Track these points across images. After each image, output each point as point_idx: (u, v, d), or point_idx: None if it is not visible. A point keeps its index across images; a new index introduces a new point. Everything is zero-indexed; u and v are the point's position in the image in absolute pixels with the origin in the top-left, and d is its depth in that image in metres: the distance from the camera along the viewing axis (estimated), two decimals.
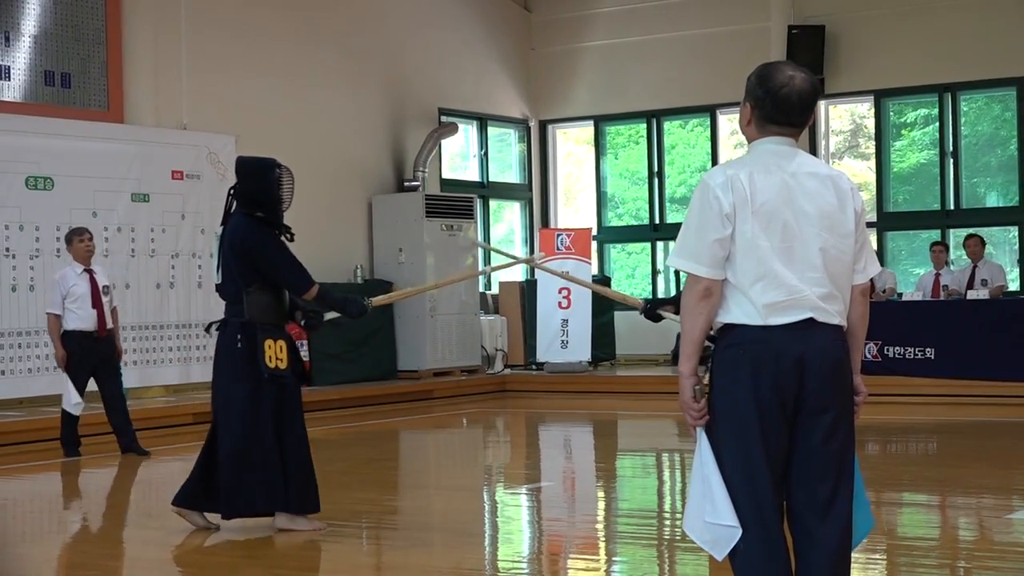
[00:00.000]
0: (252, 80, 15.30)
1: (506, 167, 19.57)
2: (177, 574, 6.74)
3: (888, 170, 17.45)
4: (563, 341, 16.86)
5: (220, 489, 7.08)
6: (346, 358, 15.60)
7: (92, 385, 10.81)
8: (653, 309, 7.37)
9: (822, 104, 17.45)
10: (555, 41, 19.29)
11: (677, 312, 7.18)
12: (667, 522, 7.69)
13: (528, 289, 17.60)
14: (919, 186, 17.51)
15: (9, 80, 13.13)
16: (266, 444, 7.04)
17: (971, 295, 13.83)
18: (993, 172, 17.20)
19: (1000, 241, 17.15)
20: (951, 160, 16.92)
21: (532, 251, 18.96)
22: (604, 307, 17.33)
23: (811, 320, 3.74)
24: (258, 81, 15.37)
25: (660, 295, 18.25)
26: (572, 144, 20.19)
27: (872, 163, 17.58)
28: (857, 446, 3.88)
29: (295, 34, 15.88)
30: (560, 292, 16.75)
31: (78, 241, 10.83)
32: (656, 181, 18.85)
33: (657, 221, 18.85)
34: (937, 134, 17.05)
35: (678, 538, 6.86)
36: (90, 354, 10.68)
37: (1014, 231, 16.84)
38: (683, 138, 19.12)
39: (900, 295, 15.02)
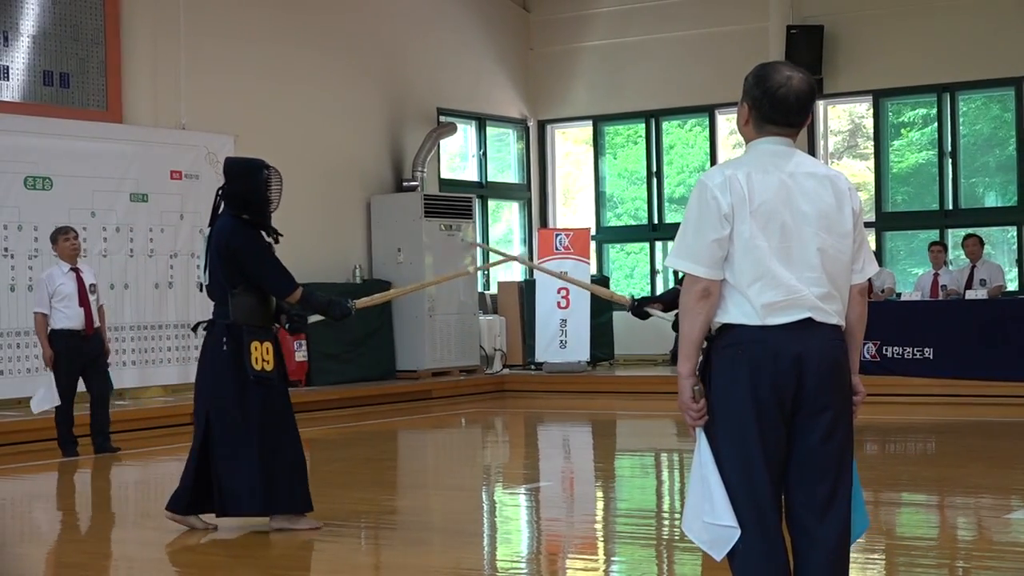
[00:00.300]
0: (251, 80, 15.30)
1: (505, 167, 19.57)
2: (174, 574, 6.74)
3: (887, 170, 17.45)
4: (562, 341, 16.86)
5: (214, 488, 7.07)
6: (345, 358, 15.60)
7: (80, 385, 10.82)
8: (640, 307, 7.37)
9: (820, 104, 17.46)
10: (554, 41, 19.29)
11: (664, 309, 7.22)
12: (666, 522, 7.68)
13: (527, 289, 17.60)
14: (918, 186, 17.52)
15: (8, 80, 13.13)
16: (250, 446, 7.03)
17: (970, 295, 13.83)
18: (992, 172, 17.20)
19: (999, 241, 17.16)
20: (950, 160, 16.92)
21: (531, 251, 18.95)
22: (603, 307, 17.32)
23: (809, 320, 3.74)
24: (257, 81, 15.37)
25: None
26: (571, 144, 20.19)
27: (871, 163, 17.58)
28: (855, 446, 3.88)
29: (294, 34, 15.88)
30: (559, 292, 16.74)
31: (63, 240, 10.82)
32: (655, 181, 18.85)
33: (656, 221, 18.85)
34: (936, 134, 17.05)
35: (677, 538, 6.86)
36: (78, 353, 10.68)
37: (1013, 231, 16.84)
38: (682, 138, 19.13)
39: (899, 295, 15.03)
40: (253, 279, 7.09)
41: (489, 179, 19.02)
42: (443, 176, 18.10)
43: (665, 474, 10.33)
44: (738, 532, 3.71)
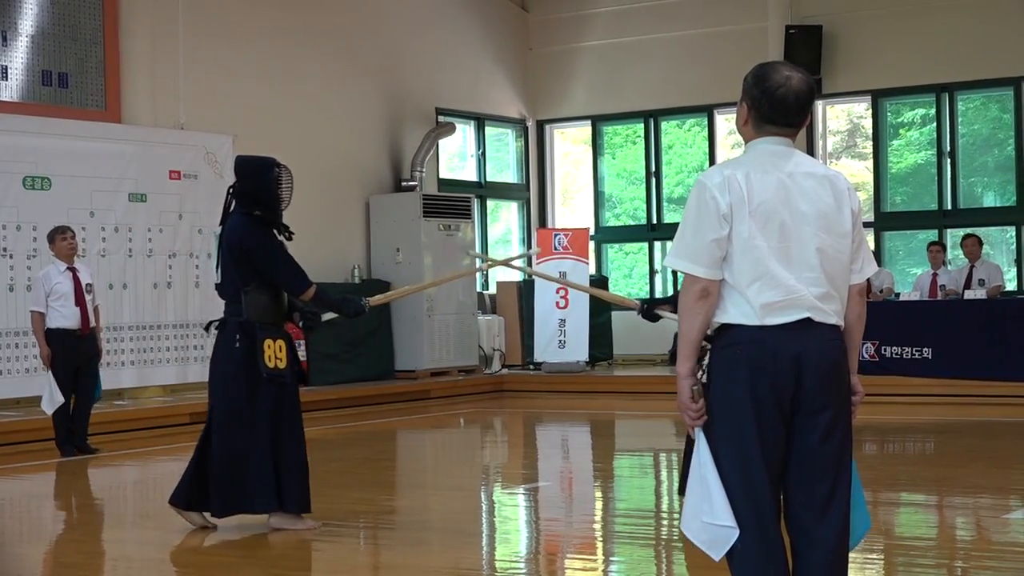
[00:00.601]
0: (249, 80, 15.29)
1: (504, 167, 19.57)
2: (173, 574, 6.74)
3: (885, 170, 17.45)
4: (561, 341, 16.87)
5: (213, 487, 7.08)
6: (343, 358, 15.60)
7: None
8: (650, 309, 7.38)
9: (819, 104, 17.46)
10: (553, 41, 19.29)
11: (675, 311, 7.23)
12: (664, 522, 7.68)
13: (526, 289, 17.60)
14: (916, 186, 17.52)
15: (6, 80, 13.12)
16: (261, 444, 7.04)
17: (968, 295, 13.83)
18: (990, 172, 17.21)
19: (997, 241, 17.16)
20: (948, 160, 16.92)
21: (530, 251, 18.95)
22: (601, 307, 17.34)
23: (808, 320, 3.74)
24: (255, 81, 15.37)
25: (658, 295, 18.26)
26: (569, 144, 20.19)
27: (869, 163, 17.58)
28: (855, 446, 3.88)
29: (293, 34, 15.88)
30: (558, 292, 16.77)
31: (60, 239, 10.83)
32: (653, 181, 18.85)
33: (655, 221, 18.85)
34: (935, 134, 17.06)
35: (675, 538, 6.86)
36: (73, 352, 10.69)
37: (1011, 231, 16.85)
38: (680, 138, 19.13)
39: (897, 295, 15.02)
40: (267, 277, 7.10)
41: (488, 179, 19.02)
42: (442, 176, 18.10)
43: (664, 474, 10.33)
44: (737, 532, 3.71)
